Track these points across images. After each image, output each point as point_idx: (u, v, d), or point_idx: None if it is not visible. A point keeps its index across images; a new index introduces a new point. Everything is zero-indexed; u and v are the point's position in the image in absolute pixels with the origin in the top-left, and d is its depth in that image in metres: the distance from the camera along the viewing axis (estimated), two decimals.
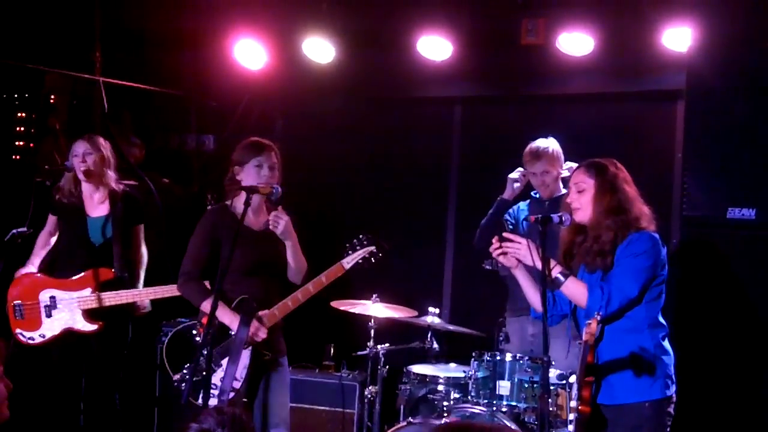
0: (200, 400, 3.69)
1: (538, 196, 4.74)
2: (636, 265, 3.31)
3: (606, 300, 3.28)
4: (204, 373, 3.64)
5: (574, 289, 3.39)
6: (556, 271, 3.38)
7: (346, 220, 6.11)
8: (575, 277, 3.42)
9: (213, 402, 3.71)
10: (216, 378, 3.72)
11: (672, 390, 3.39)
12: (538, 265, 3.34)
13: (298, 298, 3.90)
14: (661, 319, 3.44)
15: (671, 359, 3.42)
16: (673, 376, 3.41)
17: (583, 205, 3.43)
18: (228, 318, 3.80)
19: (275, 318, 3.87)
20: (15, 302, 4.36)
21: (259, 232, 4.00)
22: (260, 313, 3.84)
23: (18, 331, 4.34)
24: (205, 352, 3.61)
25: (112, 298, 4.34)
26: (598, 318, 3.15)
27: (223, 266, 3.65)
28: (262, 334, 3.82)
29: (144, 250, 4.66)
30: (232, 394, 3.78)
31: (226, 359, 3.75)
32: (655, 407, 3.34)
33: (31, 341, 4.33)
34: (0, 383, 2.11)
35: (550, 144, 4.64)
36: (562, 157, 4.67)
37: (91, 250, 4.40)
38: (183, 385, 3.80)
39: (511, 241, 3.40)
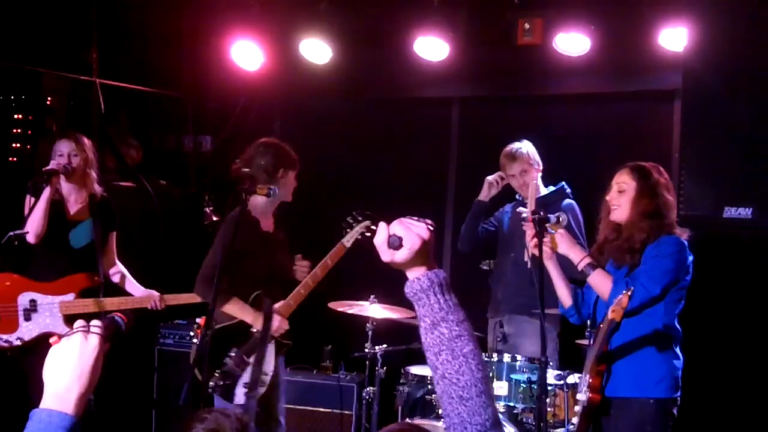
0: (234, 399, 3.79)
1: (521, 197, 4.77)
2: (662, 266, 3.37)
3: (620, 290, 3.30)
4: (226, 373, 3.70)
5: (600, 281, 3.46)
6: (584, 263, 3.48)
7: (342, 221, 6.10)
8: (603, 270, 3.49)
9: (240, 400, 3.77)
10: (246, 376, 3.79)
11: (677, 393, 3.42)
12: (572, 255, 3.50)
13: (309, 284, 4.02)
14: (677, 324, 3.48)
15: (680, 364, 3.46)
16: (680, 381, 3.43)
17: (621, 205, 3.51)
18: (250, 317, 3.89)
19: (291, 308, 3.99)
20: None
21: (270, 234, 4.12)
22: (276, 306, 3.94)
23: None
24: (204, 354, 3.64)
25: (95, 304, 4.27)
26: (629, 294, 3.17)
27: (226, 270, 3.67)
28: (285, 326, 3.96)
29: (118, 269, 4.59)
30: (262, 389, 3.87)
31: (253, 357, 3.83)
32: (660, 406, 3.37)
33: (6, 344, 4.21)
34: None
35: (523, 146, 4.70)
36: (538, 158, 4.71)
37: (72, 253, 4.35)
38: (212, 387, 3.82)
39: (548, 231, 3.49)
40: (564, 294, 3.64)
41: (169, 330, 5.38)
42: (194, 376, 3.77)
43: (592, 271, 3.47)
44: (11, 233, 4.09)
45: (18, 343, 4.23)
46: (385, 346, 4.68)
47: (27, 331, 4.24)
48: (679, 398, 3.43)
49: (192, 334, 4.00)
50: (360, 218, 3.99)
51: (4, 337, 4.22)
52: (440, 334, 1.66)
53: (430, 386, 4.46)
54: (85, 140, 4.43)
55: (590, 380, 3.31)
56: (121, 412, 4.83)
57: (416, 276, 1.69)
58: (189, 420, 1.96)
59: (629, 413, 3.36)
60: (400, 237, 1.66)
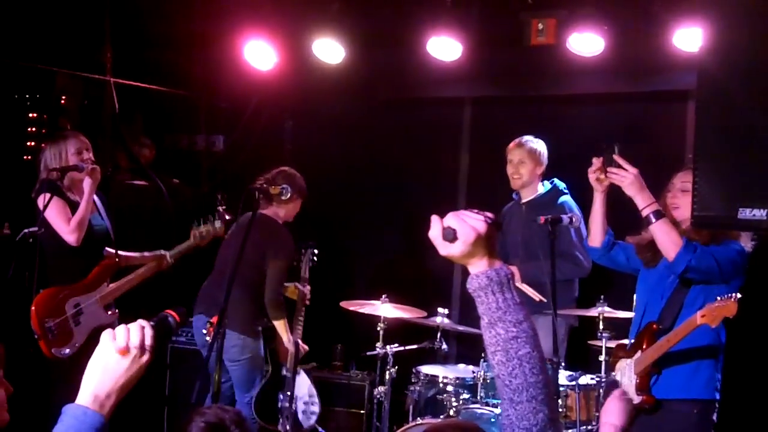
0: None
1: (517, 198, 4.79)
2: (727, 253, 3.28)
3: (693, 254, 3.17)
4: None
5: (667, 232, 3.22)
6: (650, 209, 3.25)
7: (355, 221, 6.12)
8: (669, 222, 3.27)
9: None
10: None
11: (718, 396, 3.36)
12: (638, 198, 3.26)
13: None
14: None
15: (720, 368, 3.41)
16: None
17: (684, 205, 3.37)
18: (287, 337, 4.64)
19: None
20: (47, 324, 4.19)
21: None
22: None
23: (54, 350, 4.20)
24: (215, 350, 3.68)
25: (127, 283, 4.40)
26: (737, 297, 3.00)
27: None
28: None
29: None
30: None
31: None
32: (705, 408, 3.34)
33: (65, 354, 4.21)
34: (0, 387, 2.11)
35: (535, 141, 4.74)
36: (544, 160, 4.73)
37: (102, 238, 4.42)
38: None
39: (620, 167, 3.32)
40: (598, 232, 3.55)
41: (181, 327, 5.40)
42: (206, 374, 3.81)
43: (657, 220, 3.22)
44: (26, 231, 4.13)
45: (75, 348, 4.24)
46: (396, 345, 4.68)
47: (80, 336, 4.26)
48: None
49: (204, 332, 4.02)
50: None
51: (64, 350, 4.22)
52: (496, 334, 1.61)
53: (441, 386, 4.46)
54: (69, 141, 4.42)
55: (638, 381, 3.24)
56: (133, 409, 4.84)
57: (476, 273, 1.63)
58: (190, 414, 1.99)
59: (676, 415, 3.31)
60: (455, 229, 1.60)
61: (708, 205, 4.42)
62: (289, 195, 4.23)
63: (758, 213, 4.26)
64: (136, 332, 1.65)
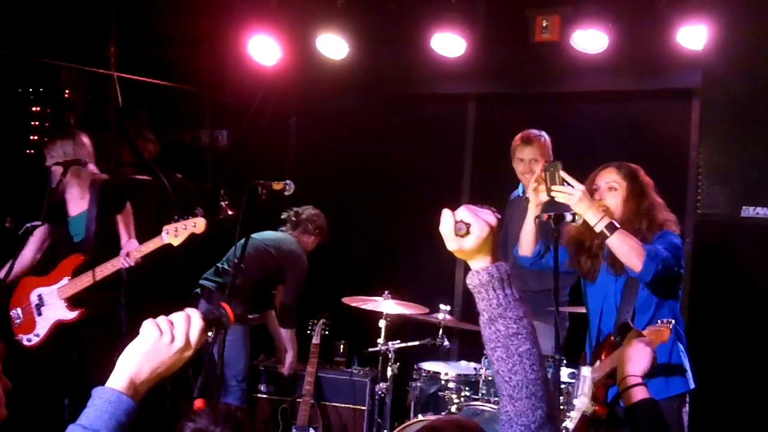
0: None
1: (517, 195, 4.73)
2: (674, 245, 3.27)
3: (656, 259, 3.13)
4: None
5: (626, 244, 3.14)
6: (603, 223, 3.17)
7: (358, 216, 6.12)
8: (626, 232, 3.20)
9: None
10: None
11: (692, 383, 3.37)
12: (590, 214, 3.19)
13: None
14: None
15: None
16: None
17: (614, 206, 3.38)
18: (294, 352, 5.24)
19: None
20: (13, 311, 4.44)
21: None
22: None
23: (19, 336, 4.41)
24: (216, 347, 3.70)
25: (85, 278, 4.26)
26: (671, 326, 2.97)
27: None
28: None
29: (130, 239, 4.46)
30: None
31: None
32: (683, 400, 3.35)
33: (28, 342, 4.38)
34: None
35: (543, 134, 4.59)
36: (551, 153, 4.62)
37: (73, 246, 4.42)
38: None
39: (568, 184, 3.27)
40: (530, 242, 3.60)
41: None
42: (209, 369, 3.82)
43: (610, 234, 3.15)
44: (29, 224, 4.17)
45: (36, 339, 4.38)
46: (398, 341, 4.69)
47: (41, 326, 4.38)
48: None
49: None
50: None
51: (26, 336, 4.40)
52: (496, 331, 1.60)
53: (442, 382, 4.47)
54: (79, 137, 4.43)
55: (594, 391, 3.17)
56: None
57: (476, 269, 1.62)
58: (189, 413, 1.93)
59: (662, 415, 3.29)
60: (468, 224, 1.59)
61: (711, 204, 4.43)
62: (292, 191, 4.22)
63: (762, 211, 4.27)
64: (182, 323, 1.62)
